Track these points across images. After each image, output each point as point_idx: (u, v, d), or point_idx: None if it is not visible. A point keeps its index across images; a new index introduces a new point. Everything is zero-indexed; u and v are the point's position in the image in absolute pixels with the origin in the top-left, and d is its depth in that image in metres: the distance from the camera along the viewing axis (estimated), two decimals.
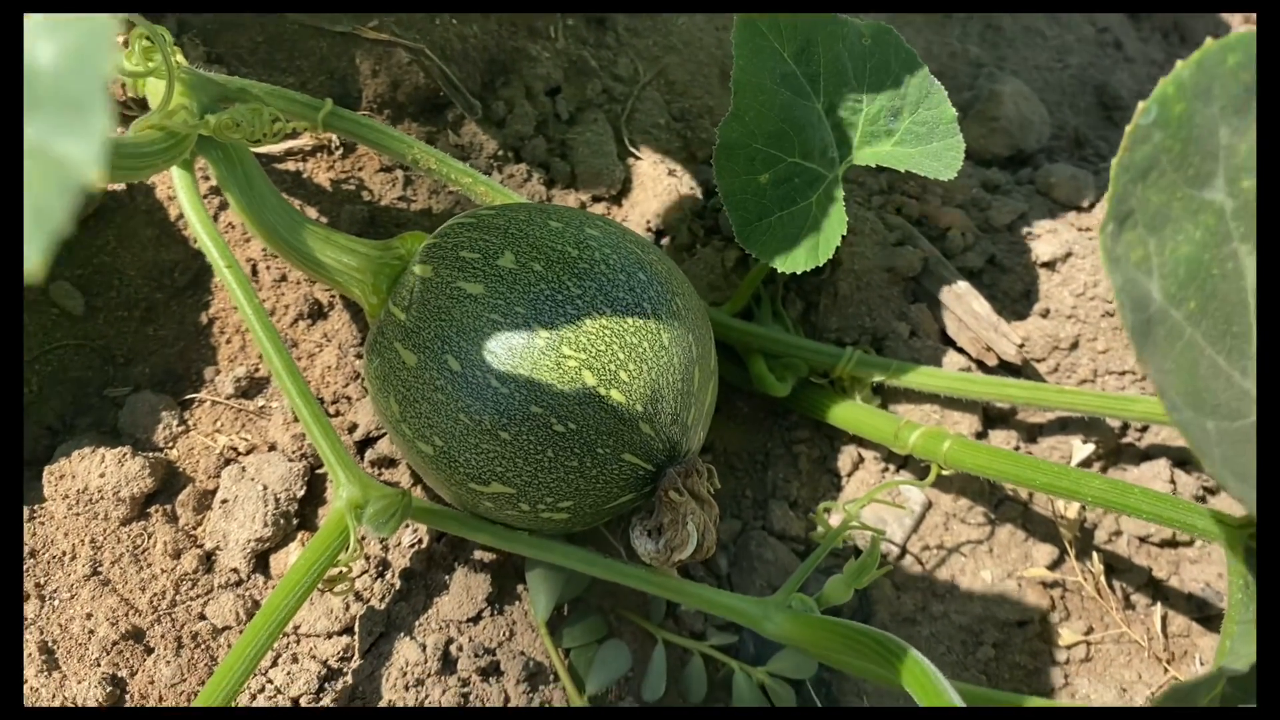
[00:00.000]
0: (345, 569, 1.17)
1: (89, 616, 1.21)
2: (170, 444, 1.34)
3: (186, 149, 1.19)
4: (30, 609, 1.21)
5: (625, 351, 1.08)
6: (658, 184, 1.59)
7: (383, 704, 1.21)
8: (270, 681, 1.20)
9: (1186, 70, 0.86)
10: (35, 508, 1.27)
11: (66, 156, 0.40)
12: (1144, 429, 1.54)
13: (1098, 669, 1.44)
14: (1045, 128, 1.88)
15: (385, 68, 1.52)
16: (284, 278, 1.44)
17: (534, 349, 1.06)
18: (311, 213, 1.46)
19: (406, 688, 1.21)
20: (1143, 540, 1.51)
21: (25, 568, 1.23)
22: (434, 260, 1.14)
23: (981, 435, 1.51)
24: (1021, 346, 1.53)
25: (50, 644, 1.19)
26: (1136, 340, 0.84)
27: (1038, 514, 1.50)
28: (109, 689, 1.16)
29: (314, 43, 1.51)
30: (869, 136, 1.37)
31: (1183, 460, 1.54)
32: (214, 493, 1.31)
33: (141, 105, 1.37)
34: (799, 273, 1.30)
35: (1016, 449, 1.52)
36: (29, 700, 1.15)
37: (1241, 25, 2.29)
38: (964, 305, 1.55)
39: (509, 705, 1.23)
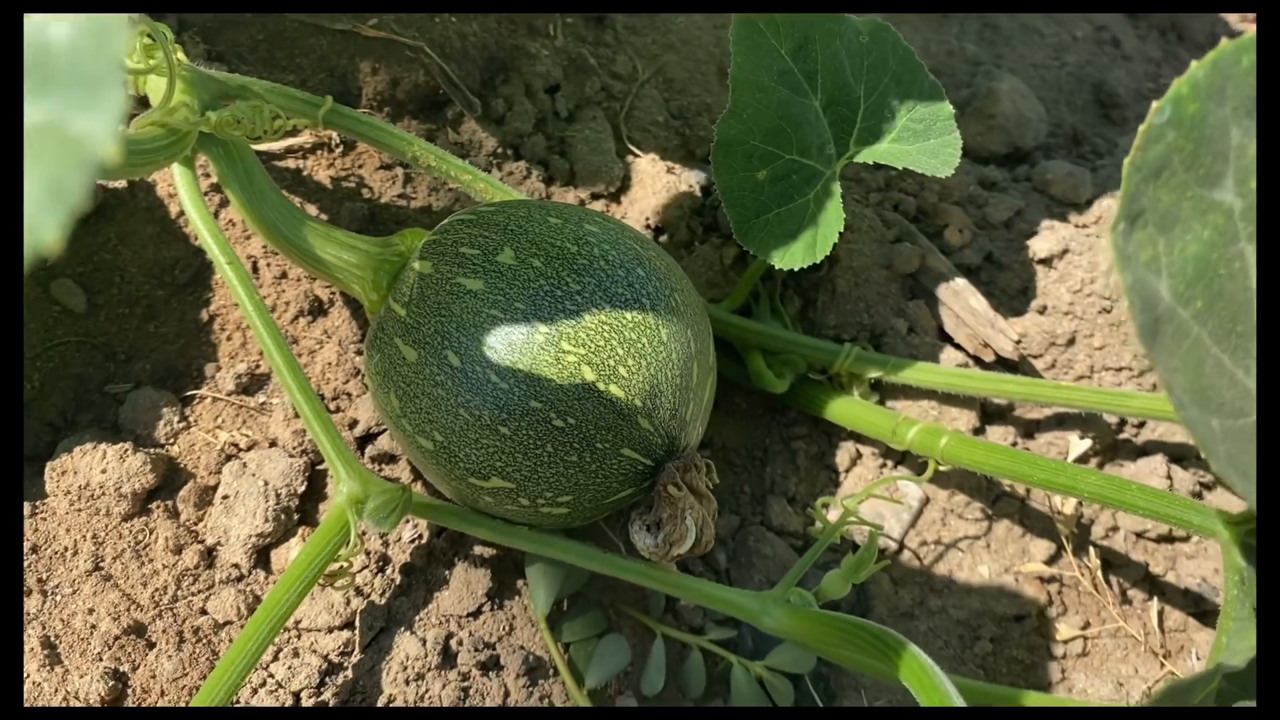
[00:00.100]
0: (346, 564, 1.18)
1: (91, 611, 1.22)
2: (171, 440, 1.35)
3: (187, 146, 1.19)
4: (33, 604, 1.22)
5: (624, 347, 1.09)
6: (656, 181, 1.60)
7: (383, 698, 1.21)
8: (271, 676, 1.21)
9: (1201, 70, 0.86)
10: (37, 503, 1.28)
11: (83, 134, 0.41)
12: (1141, 425, 1.55)
13: (1094, 663, 1.45)
14: (1042, 125, 1.88)
15: (385, 65, 1.52)
16: (284, 274, 1.44)
17: (533, 344, 1.06)
18: (312, 210, 1.47)
19: (407, 682, 1.21)
20: (1139, 536, 1.52)
21: (28, 563, 1.24)
22: (434, 257, 1.15)
23: (979, 431, 1.52)
24: (1019, 343, 1.53)
25: (53, 639, 1.20)
26: (1145, 339, 0.85)
27: (1035, 510, 1.51)
28: (111, 683, 1.17)
29: (314, 41, 1.51)
30: (866, 133, 1.38)
31: (1179, 456, 1.55)
32: (215, 488, 1.32)
33: (142, 103, 1.38)
34: (797, 269, 1.31)
35: (1014, 445, 1.52)
36: (32, 695, 1.16)
37: (1239, 24, 2.30)
38: (961, 302, 1.56)
39: (509, 699, 1.24)
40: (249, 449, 1.35)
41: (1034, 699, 1.24)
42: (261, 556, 1.29)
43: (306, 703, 1.20)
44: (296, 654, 1.23)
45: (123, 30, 0.43)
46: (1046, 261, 1.62)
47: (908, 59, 1.37)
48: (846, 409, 1.46)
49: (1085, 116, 2.02)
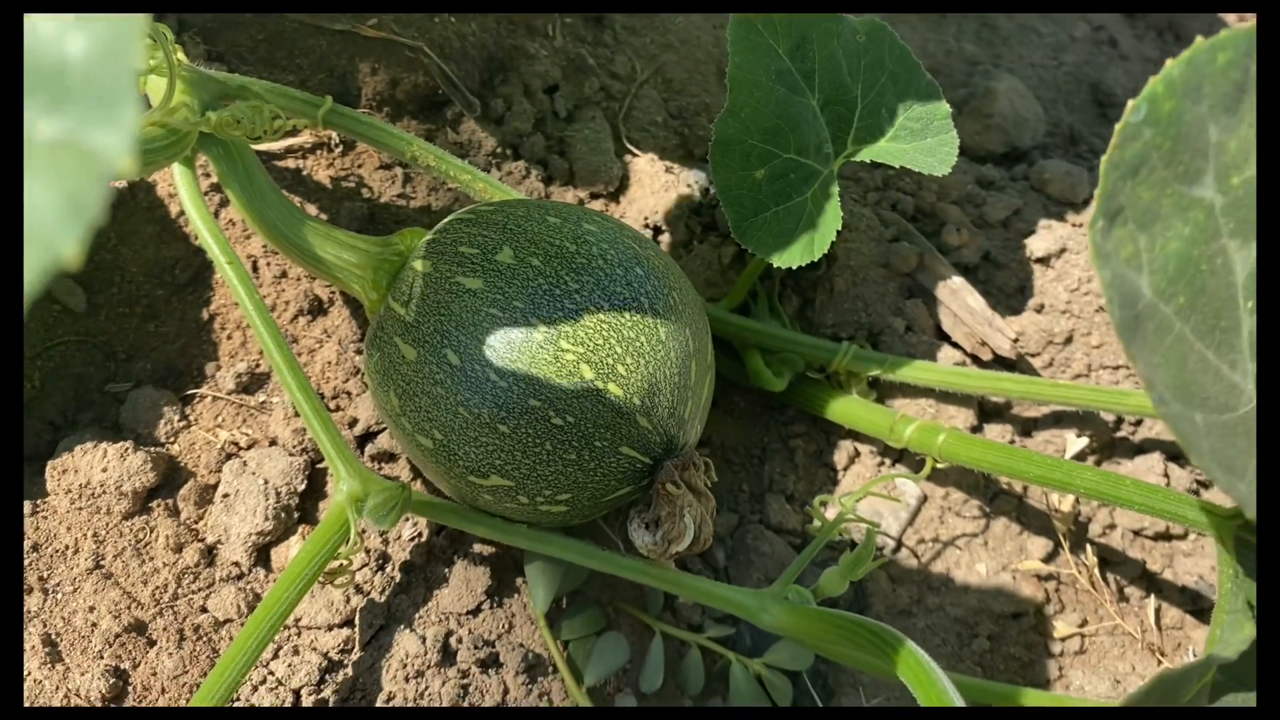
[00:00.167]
0: (346, 562, 1.18)
1: (92, 609, 1.22)
2: (172, 439, 1.35)
3: (187, 146, 1.20)
4: (34, 602, 1.22)
5: (623, 346, 1.09)
6: (655, 181, 1.60)
7: (383, 695, 1.22)
8: (272, 673, 1.21)
9: (1176, 68, 0.87)
10: (38, 502, 1.28)
11: (99, 148, 0.42)
12: (1138, 423, 1.56)
13: (1092, 661, 1.46)
14: (1040, 125, 1.89)
15: (384, 66, 1.53)
16: (284, 274, 1.45)
17: (532, 343, 1.07)
18: (311, 210, 1.48)
19: (407, 679, 1.22)
20: (1137, 533, 1.52)
21: (29, 561, 1.24)
22: (433, 256, 1.15)
23: (976, 429, 1.52)
24: (1016, 341, 1.54)
25: (54, 637, 1.20)
26: (1125, 335, 0.85)
27: (1032, 508, 1.52)
28: (112, 681, 1.17)
29: (313, 41, 1.52)
30: (864, 132, 1.38)
31: (1176, 454, 1.55)
32: (215, 487, 1.33)
33: (143, 103, 1.39)
34: (795, 268, 1.31)
35: (1011, 443, 1.53)
36: (33, 692, 1.16)
37: (1236, 24, 2.31)
38: (959, 300, 1.56)
39: (508, 696, 1.25)
40: (249, 447, 1.36)
41: (1032, 696, 1.25)
42: (262, 555, 1.30)
43: (307, 700, 1.20)
44: (297, 651, 1.23)
45: (136, 39, 0.44)
46: (1044, 260, 1.62)
47: (905, 58, 1.38)
48: (844, 407, 1.46)
49: (1083, 116, 2.02)
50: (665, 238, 1.59)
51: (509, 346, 1.07)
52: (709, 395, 1.23)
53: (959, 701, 0.98)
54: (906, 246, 1.60)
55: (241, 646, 1.09)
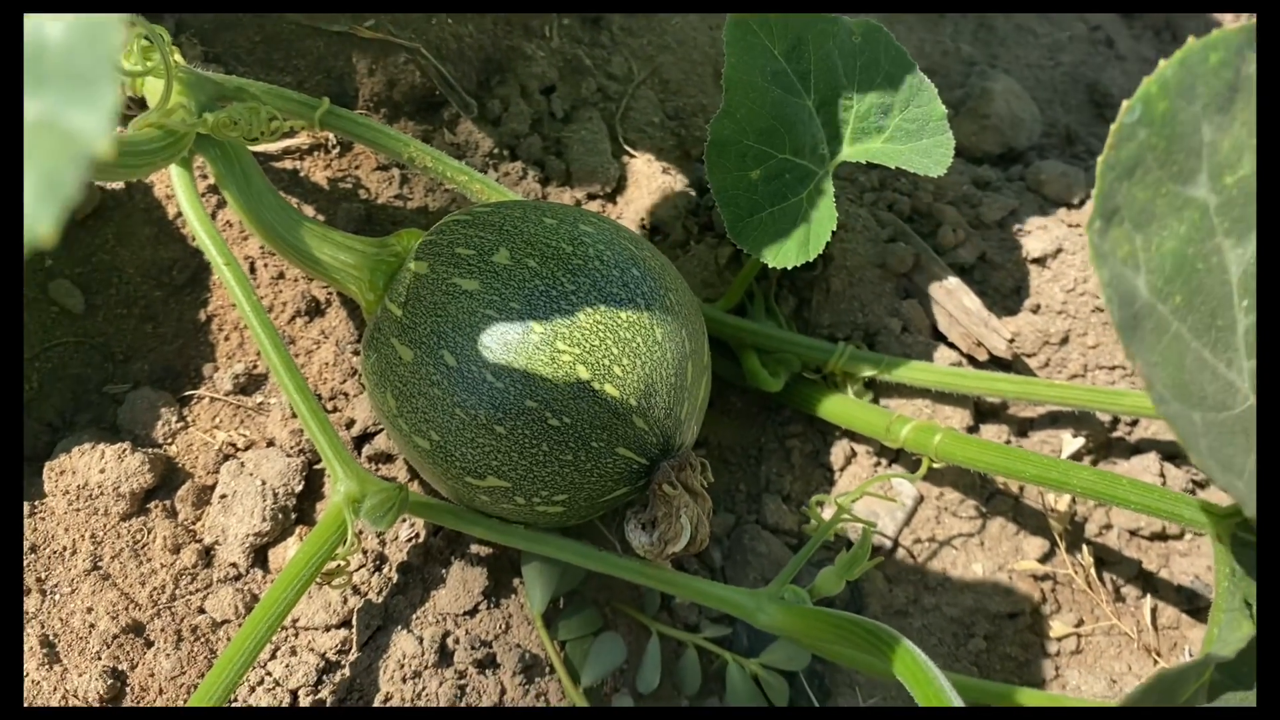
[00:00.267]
0: (343, 563, 1.19)
1: (90, 610, 1.22)
2: (169, 440, 1.35)
3: (185, 147, 1.20)
4: (31, 603, 1.22)
5: (619, 346, 1.09)
6: (652, 182, 1.60)
7: (380, 696, 1.22)
8: (269, 674, 1.21)
9: (1170, 69, 0.87)
10: (36, 503, 1.28)
11: (76, 129, 0.42)
12: (1134, 423, 1.56)
13: (1088, 660, 1.46)
14: (1036, 125, 1.89)
15: (381, 67, 1.53)
16: (281, 275, 1.45)
17: (529, 344, 1.07)
18: (309, 211, 1.48)
19: (404, 680, 1.22)
20: (1133, 533, 1.52)
21: (27, 563, 1.25)
22: (430, 257, 1.15)
23: (973, 430, 1.53)
24: (1012, 342, 1.54)
25: (51, 638, 1.20)
26: (1124, 334, 0.86)
27: (1029, 507, 1.52)
28: (110, 682, 1.17)
29: (311, 42, 1.52)
30: (859, 133, 1.38)
31: (1172, 454, 1.56)
32: (213, 488, 1.33)
33: (140, 104, 1.39)
34: (792, 269, 1.32)
35: (1007, 443, 1.53)
36: (31, 693, 1.16)
37: (1232, 24, 2.31)
38: (955, 301, 1.57)
39: (505, 697, 1.25)
40: (246, 449, 1.36)
41: (1028, 696, 1.25)
42: (259, 555, 1.30)
43: (304, 701, 1.20)
44: (294, 652, 1.24)
45: (116, 29, 0.44)
46: (1040, 261, 1.63)
47: (901, 59, 1.38)
48: (841, 407, 1.47)
49: (1079, 116, 2.03)
50: (661, 238, 1.59)
51: (505, 347, 1.07)
52: (705, 396, 1.24)
53: (956, 700, 0.98)
54: (903, 247, 1.60)
55: (239, 647, 1.09)
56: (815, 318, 1.57)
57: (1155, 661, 1.47)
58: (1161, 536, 1.52)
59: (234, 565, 1.28)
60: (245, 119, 1.22)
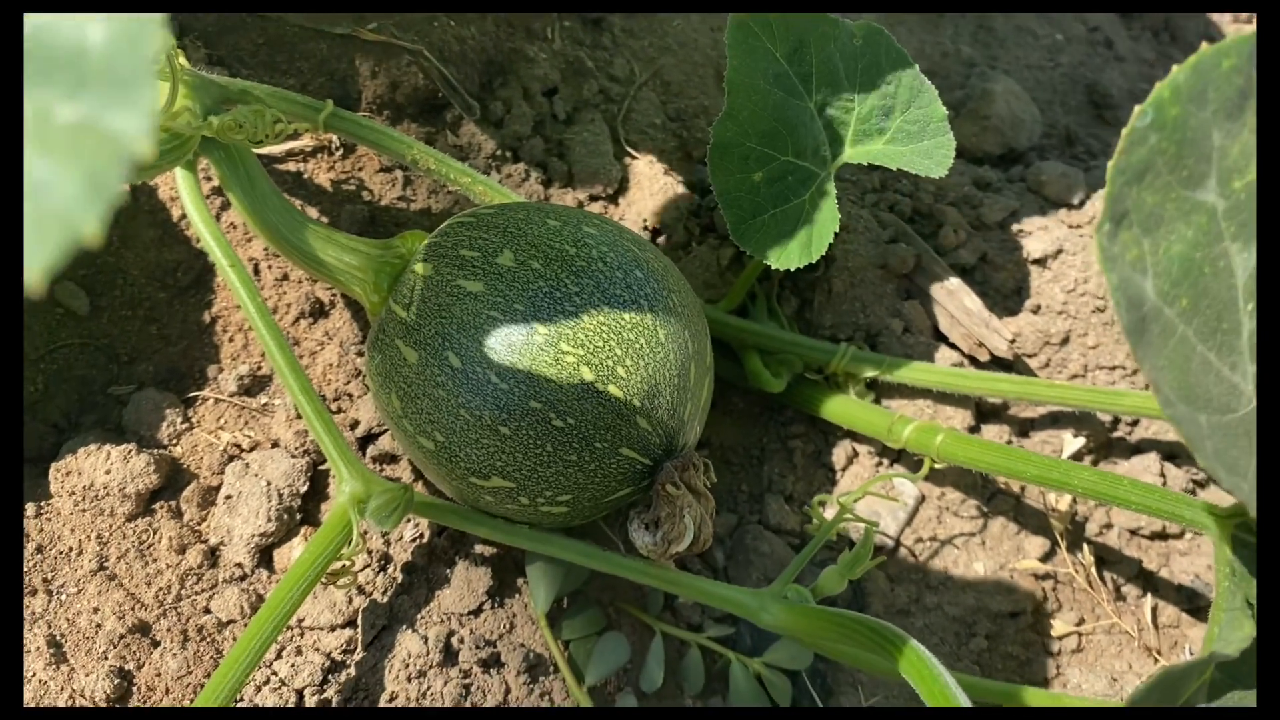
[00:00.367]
0: (348, 563, 1.19)
1: (96, 611, 1.23)
2: (174, 441, 1.36)
3: (190, 150, 1.21)
4: (38, 603, 1.23)
5: (622, 347, 1.10)
6: (654, 183, 1.61)
7: (385, 695, 1.22)
8: (275, 674, 1.22)
9: (1182, 74, 0.88)
10: (42, 504, 1.29)
11: (117, 131, 0.43)
12: (1134, 423, 1.57)
13: (1089, 659, 1.46)
14: (1036, 126, 1.90)
15: (384, 69, 1.53)
16: (285, 276, 1.45)
17: (533, 345, 1.08)
18: (312, 213, 1.48)
19: (409, 679, 1.23)
20: (1133, 533, 1.53)
21: (33, 563, 1.25)
22: (434, 259, 1.16)
23: (974, 430, 1.53)
24: (1013, 342, 1.55)
25: (58, 638, 1.21)
26: (1132, 337, 0.86)
27: (1029, 507, 1.53)
28: (116, 682, 1.18)
29: (314, 45, 1.53)
30: (861, 135, 1.39)
31: (1172, 454, 1.56)
32: (218, 489, 1.33)
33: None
34: (793, 270, 1.32)
35: (1008, 443, 1.54)
36: (38, 693, 1.17)
37: (1231, 25, 2.32)
38: (956, 301, 1.57)
39: (510, 696, 1.25)
40: (251, 449, 1.36)
41: (1030, 695, 1.26)
42: (264, 556, 1.30)
43: (310, 700, 1.21)
44: (300, 652, 1.24)
45: (157, 31, 0.45)
46: (1040, 261, 1.63)
47: (901, 61, 1.39)
48: (843, 408, 1.47)
49: (1079, 117, 2.03)
50: (664, 239, 1.59)
51: (510, 349, 1.08)
52: (708, 396, 1.24)
53: (962, 696, 0.99)
54: (904, 248, 1.61)
55: (245, 647, 1.10)
56: (817, 318, 1.58)
57: (1155, 660, 1.47)
58: (1162, 536, 1.53)
59: (239, 565, 1.29)
60: (250, 122, 1.22)
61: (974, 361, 1.57)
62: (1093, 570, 1.49)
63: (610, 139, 1.66)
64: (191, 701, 1.20)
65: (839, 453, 1.53)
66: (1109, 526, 1.53)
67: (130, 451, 1.30)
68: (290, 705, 1.20)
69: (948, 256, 1.64)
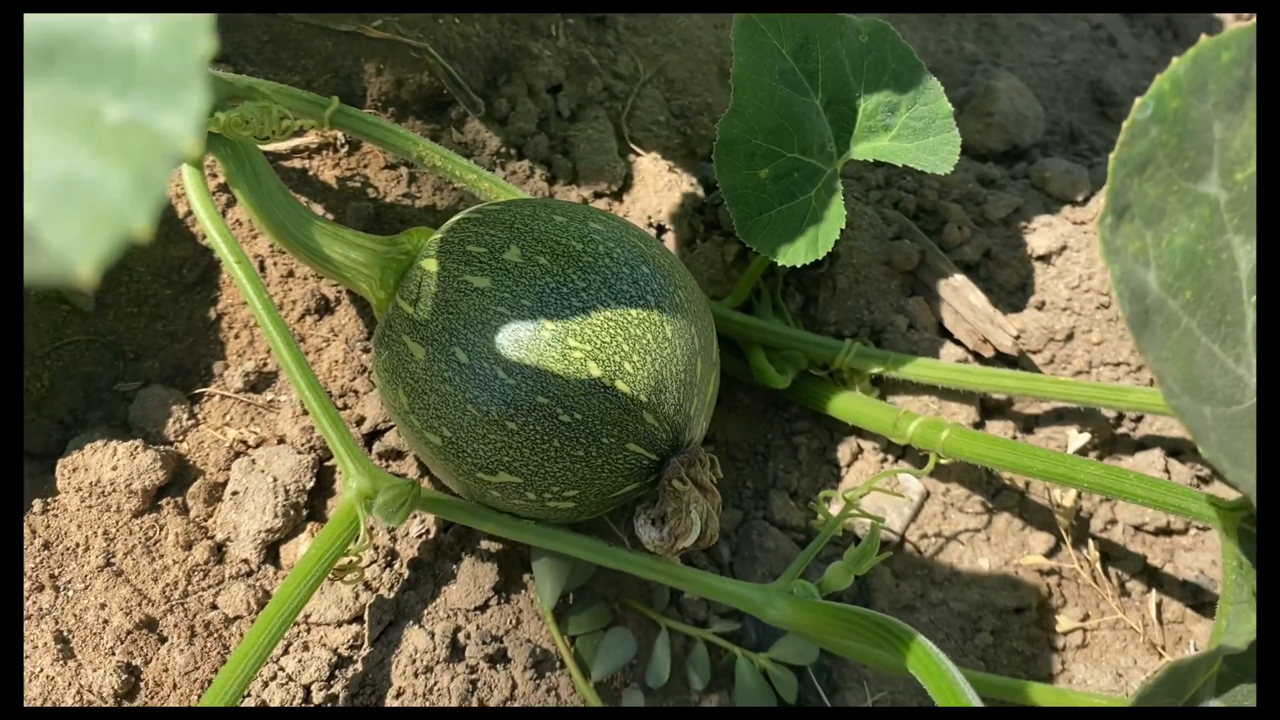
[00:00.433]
0: (355, 558, 1.19)
1: (103, 606, 1.23)
2: (180, 437, 1.36)
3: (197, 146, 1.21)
4: (45, 599, 1.23)
5: (629, 343, 1.10)
6: (658, 180, 1.61)
7: (392, 690, 1.23)
8: (282, 669, 1.22)
9: (1182, 66, 0.88)
10: (49, 500, 1.29)
11: (165, 130, 0.44)
12: (1139, 419, 1.57)
13: (1094, 655, 1.47)
14: (1040, 123, 1.90)
15: (389, 66, 1.54)
16: (291, 273, 1.46)
17: (540, 341, 1.08)
18: (318, 210, 1.49)
19: (416, 675, 1.23)
20: (1138, 528, 1.53)
21: (40, 559, 1.25)
22: (441, 255, 1.16)
23: (979, 426, 1.54)
24: (1017, 338, 1.55)
25: (65, 633, 1.21)
26: (1135, 329, 0.87)
27: (1034, 503, 1.53)
28: (124, 677, 1.18)
29: (319, 42, 1.53)
30: (866, 132, 1.39)
31: (1177, 450, 1.56)
32: (224, 485, 1.34)
33: None
34: (798, 266, 1.32)
35: (1013, 439, 1.54)
36: (45, 689, 1.17)
37: (1233, 23, 2.32)
38: (961, 298, 1.57)
39: (516, 691, 1.26)
40: (257, 446, 1.37)
41: (1035, 690, 1.26)
42: (271, 552, 1.31)
43: (317, 695, 1.21)
44: (307, 648, 1.24)
45: (204, 33, 0.46)
46: (1045, 258, 1.63)
47: (907, 58, 1.39)
48: (848, 404, 1.47)
49: (1082, 114, 2.03)
50: (669, 236, 1.60)
51: (517, 344, 1.08)
52: (714, 392, 1.24)
53: (969, 690, 0.99)
54: (908, 244, 1.61)
55: (253, 642, 1.10)
56: (822, 315, 1.58)
57: (1160, 656, 1.47)
58: (1166, 531, 1.53)
59: (246, 561, 1.29)
60: (257, 118, 1.22)
61: (978, 358, 1.57)
62: (1098, 566, 1.50)
63: (614, 136, 1.66)
64: (199, 697, 1.20)
65: (844, 449, 1.53)
66: (1113, 522, 1.53)
67: (136, 448, 1.30)
68: (297, 700, 1.21)
69: (952, 253, 1.64)
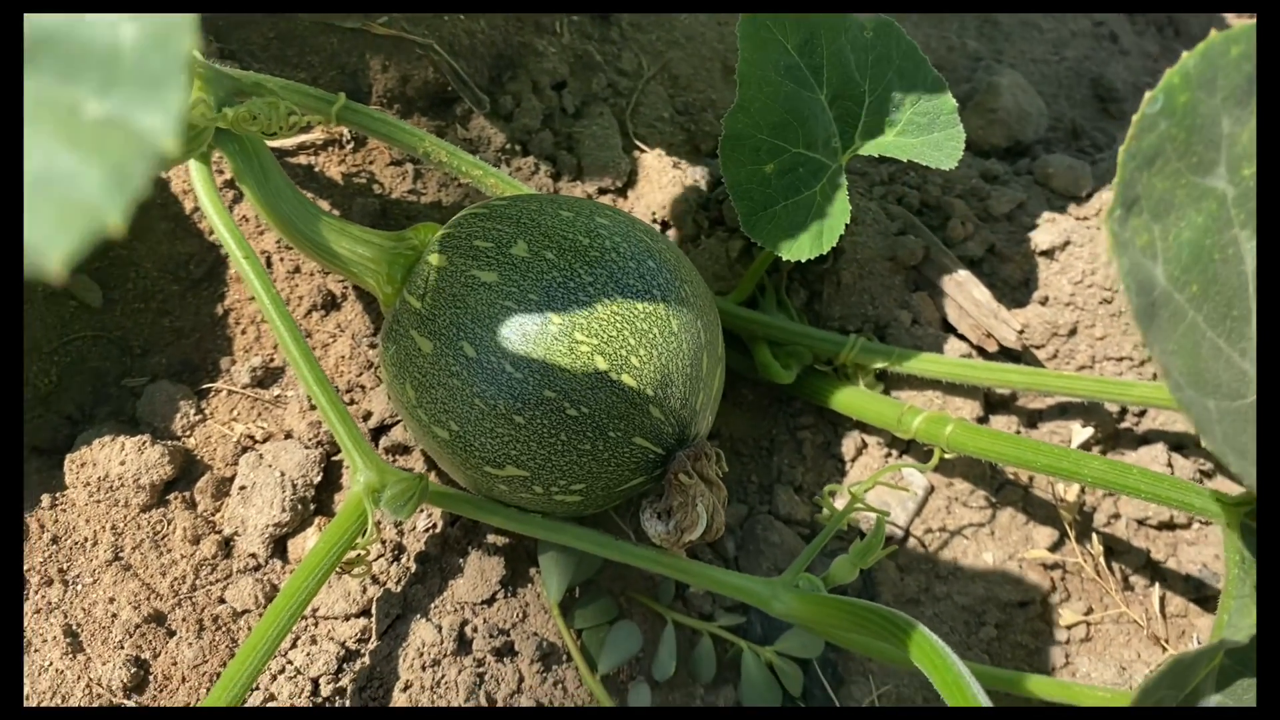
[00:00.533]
0: (363, 552, 1.20)
1: (112, 600, 1.24)
2: (188, 432, 1.37)
3: (204, 142, 1.21)
4: (54, 594, 1.24)
5: (636, 337, 1.11)
6: (663, 176, 1.62)
7: (400, 684, 1.23)
8: (290, 662, 1.23)
9: (1192, 60, 0.88)
10: (57, 495, 1.30)
11: (145, 129, 0.44)
12: (1142, 414, 1.57)
13: (1098, 648, 1.47)
14: (1043, 119, 1.91)
15: (395, 63, 1.54)
16: (298, 269, 1.46)
17: (547, 335, 1.08)
18: (324, 206, 1.49)
19: (423, 668, 1.24)
20: (1141, 523, 1.54)
21: (49, 554, 1.26)
22: (448, 250, 1.17)
23: (983, 420, 1.54)
24: (1021, 333, 1.55)
25: (74, 627, 1.22)
26: (1141, 322, 0.87)
27: (1038, 497, 1.53)
28: (133, 670, 1.19)
29: (324, 39, 1.53)
30: (871, 127, 1.40)
31: (1180, 444, 1.57)
32: (232, 480, 1.34)
33: None
34: (803, 262, 1.33)
35: (1017, 434, 1.54)
36: (55, 682, 1.18)
37: (1235, 21, 2.32)
38: (965, 293, 1.58)
39: (523, 684, 1.26)
40: (265, 441, 1.37)
41: (1038, 683, 1.26)
42: (278, 546, 1.31)
43: (325, 689, 1.22)
44: (314, 641, 1.25)
45: (187, 32, 0.46)
46: (1048, 253, 1.64)
47: (911, 53, 1.39)
48: (852, 399, 1.48)
49: (1085, 111, 2.04)
50: (673, 232, 1.60)
51: (524, 338, 1.08)
52: (720, 387, 1.25)
53: (974, 683, 0.99)
54: (912, 240, 1.61)
55: (261, 636, 1.11)
56: (826, 310, 1.59)
57: (1163, 649, 1.48)
58: (1169, 526, 1.54)
59: (253, 556, 1.30)
60: (264, 113, 1.23)
61: (982, 353, 1.57)
62: (1101, 560, 1.50)
63: (619, 132, 1.66)
64: (208, 690, 1.21)
65: (848, 444, 1.53)
66: (1117, 516, 1.53)
67: (144, 443, 1.30)
68: (305, 693, 1.21)
69: (956, 248, 1.65)
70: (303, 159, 1.51)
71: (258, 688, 1.21)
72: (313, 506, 1.33)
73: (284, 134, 1.25)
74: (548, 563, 1.32)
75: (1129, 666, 1.45)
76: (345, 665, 1.24)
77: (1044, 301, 1.61)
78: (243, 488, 1.32)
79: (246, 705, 1.19)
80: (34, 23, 0.47)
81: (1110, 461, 1.27)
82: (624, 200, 1.62)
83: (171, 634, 1.24)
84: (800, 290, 1.60)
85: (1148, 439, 1.58)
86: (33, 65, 0.46)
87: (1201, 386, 0.89)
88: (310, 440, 1.36)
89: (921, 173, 1.74)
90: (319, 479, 1.33)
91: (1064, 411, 1.57)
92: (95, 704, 1.18)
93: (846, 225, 1.34)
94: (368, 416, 1.40)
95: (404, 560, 1.31)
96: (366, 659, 1.25)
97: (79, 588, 1.25)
